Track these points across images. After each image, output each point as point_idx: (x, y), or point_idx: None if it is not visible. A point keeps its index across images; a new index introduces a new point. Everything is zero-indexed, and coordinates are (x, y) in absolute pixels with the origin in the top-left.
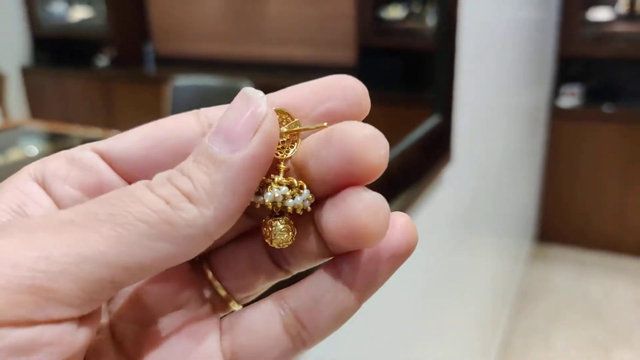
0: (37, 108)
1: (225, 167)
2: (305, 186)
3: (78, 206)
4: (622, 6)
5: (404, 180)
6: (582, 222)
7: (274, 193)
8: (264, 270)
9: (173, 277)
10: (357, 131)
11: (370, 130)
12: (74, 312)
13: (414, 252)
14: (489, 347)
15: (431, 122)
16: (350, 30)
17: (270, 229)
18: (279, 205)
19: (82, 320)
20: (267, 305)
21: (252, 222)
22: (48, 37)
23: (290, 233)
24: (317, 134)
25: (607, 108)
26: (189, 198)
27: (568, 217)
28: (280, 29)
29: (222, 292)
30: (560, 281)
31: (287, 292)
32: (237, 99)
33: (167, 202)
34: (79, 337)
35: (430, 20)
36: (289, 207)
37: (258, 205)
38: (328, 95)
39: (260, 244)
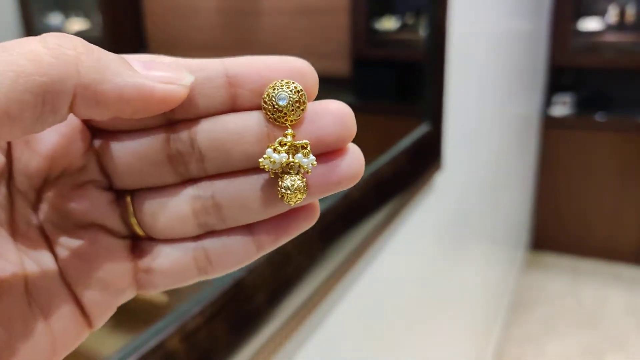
0: None
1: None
2: (308, 146)
3: None
4: (612, 17)
5: (394, 187)
6: (576, 230)
7: (281, 157)
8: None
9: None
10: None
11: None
12: None
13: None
14: (483, 355)
15: (421, 130)
16: (344, 42)
17: (290, 184)
18: (287, 164)
19: None
20: (185, 244)
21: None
22: None
23: (305, 190)
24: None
25: (599, 117)
26: (78, 48)
27: (562, 225)
28: (275, 40)
29: (140, 231)
30: (554, 289)
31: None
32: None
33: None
34: None
35: (424, 32)
36: (301, 165)
37: (268, 167)
38: (280, 75)
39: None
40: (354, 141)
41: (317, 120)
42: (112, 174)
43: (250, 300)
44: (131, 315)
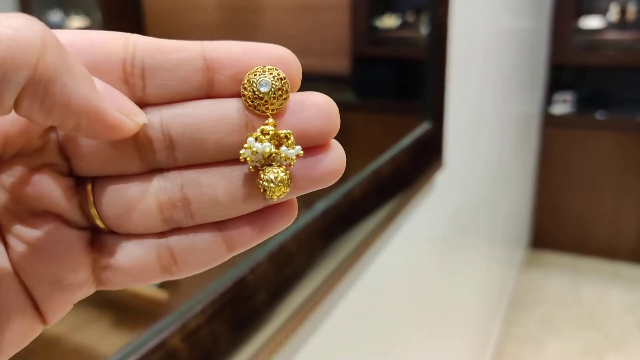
0: None
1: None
2: (292, 137)
3: None
4: (613, 15)
5: (395, 186)
6: (575, 229)
7: (264, 145)
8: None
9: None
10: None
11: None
12: None
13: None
14: (483, 354)
15: (422, 129)
16: (345, 40)
17: (273, 176)
18: (269, 155)
19: None
20: (148, 240)
21: (142, 165)
22: None
23: (288, 183)
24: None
25: (599, 115)
26: (45, 38)
27: (562, 223)
28: (275, 38)
29: (100, 224)
30: (554, 288)
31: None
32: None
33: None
34: None
35: (424, 30)
36: (286, 157)
37: (248, 157)
38: (261, 62)
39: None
40: (355, 139)
41: (300, 111)
42: (73, 158)
43: (251, 299)
44: (133, 314)
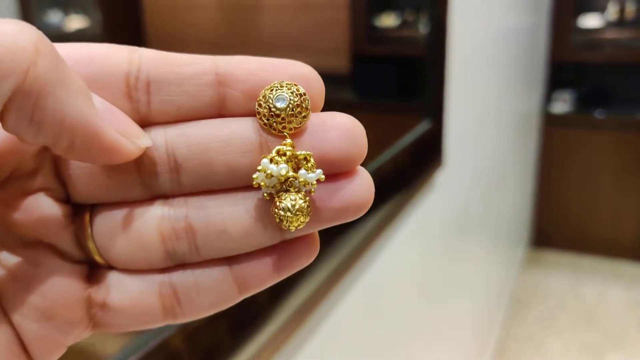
0: None
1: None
2: (312, 159)
3: None
4: (612, 13)
5: (395, 185)
6: (576, 227)
7: (280, 168)
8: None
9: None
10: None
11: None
12: None
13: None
14: (484, 352)
15: (422, 127)
16: (344, 39)
17: (290, 204)
18: (286, 179)
19: None
20: (149, 276)
21: (144, 191)
22: None
23: (308, 212)
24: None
25: (599, 114)
26: (39, 45)
27: (562, 222)
28: (274, 37)
29: (99, 259)
30: (554, 286)
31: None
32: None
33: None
34: None
35: (423, 29)
36: (306, 182)
37: (262, 182)
38: (278, 78)
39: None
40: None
41: (321, 132)
42: (70, 182)
43: (252, 299)
44: None
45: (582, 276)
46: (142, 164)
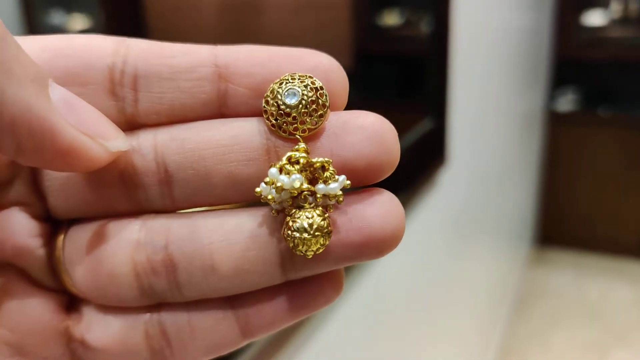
0: None
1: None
2: (331, 166)
3: None
4: (616, 11)
5: (398, 184)
6: (580, 225)
7: (294, 179)
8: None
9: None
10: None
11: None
12: None
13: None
14: (488, 350)
15: (425, 126)
16: (346, 37)
17: (307, 223)
18: (299, 192)
19: None
20: (133, 314)
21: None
22: None
23: (328, 233)
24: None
25: (603, 112)
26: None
27: (566, 220)
28: (277, 36)
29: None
30: (558, 284)
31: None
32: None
33: None
34: None
35: (426, 27)
36: (327, 195)
37: (270, 196)
38: (290, 70)
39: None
40: None
41: (342, 134)
42: (48, 195)
43: None
44: None
45: (586, 274)
46: (127, 174)
